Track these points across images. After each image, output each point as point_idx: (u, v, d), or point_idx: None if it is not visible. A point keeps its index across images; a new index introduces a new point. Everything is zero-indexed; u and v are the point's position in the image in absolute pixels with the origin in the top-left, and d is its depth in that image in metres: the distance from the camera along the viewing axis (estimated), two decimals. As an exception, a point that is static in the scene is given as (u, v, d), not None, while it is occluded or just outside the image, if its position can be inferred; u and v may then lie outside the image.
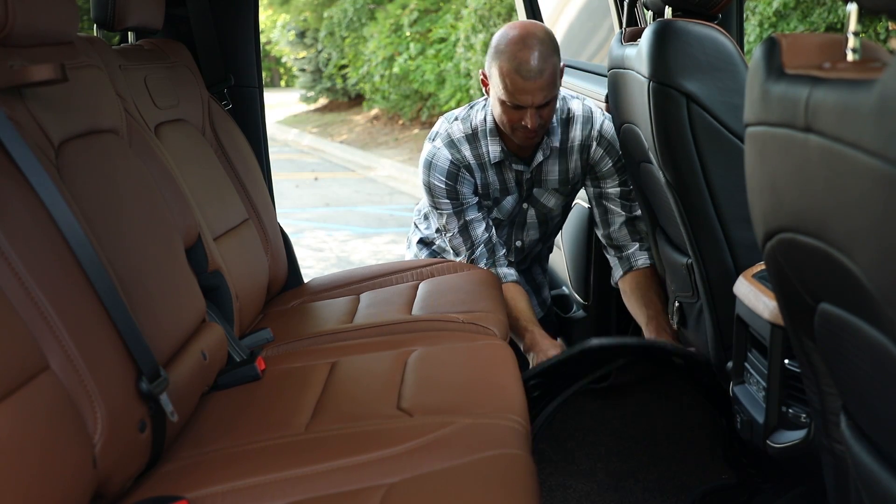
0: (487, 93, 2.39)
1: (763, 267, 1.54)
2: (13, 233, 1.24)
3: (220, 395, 1.75)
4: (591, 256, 2.82)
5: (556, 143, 2.45)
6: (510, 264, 2.59)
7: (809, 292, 1.11)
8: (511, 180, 2.50)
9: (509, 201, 2.53)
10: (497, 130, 2.43)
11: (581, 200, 2.84)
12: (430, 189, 2.48)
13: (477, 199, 2.50)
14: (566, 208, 2.66)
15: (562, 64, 2.35)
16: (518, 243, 2.64)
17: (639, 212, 2.51)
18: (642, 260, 2.51)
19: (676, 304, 2.32)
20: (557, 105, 2.42)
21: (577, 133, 2.47)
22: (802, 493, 2.02)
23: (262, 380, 1.80)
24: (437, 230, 2.70)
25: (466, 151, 2.45)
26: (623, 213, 2.51)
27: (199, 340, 1.69)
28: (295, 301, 2.48)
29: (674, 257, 2.20)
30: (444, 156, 2.45)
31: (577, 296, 2.96)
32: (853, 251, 0.91)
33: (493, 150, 2.44)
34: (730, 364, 1.78)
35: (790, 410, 1.52)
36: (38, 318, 1.23)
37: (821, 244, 0.99)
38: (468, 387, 1.69)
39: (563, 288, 3.11)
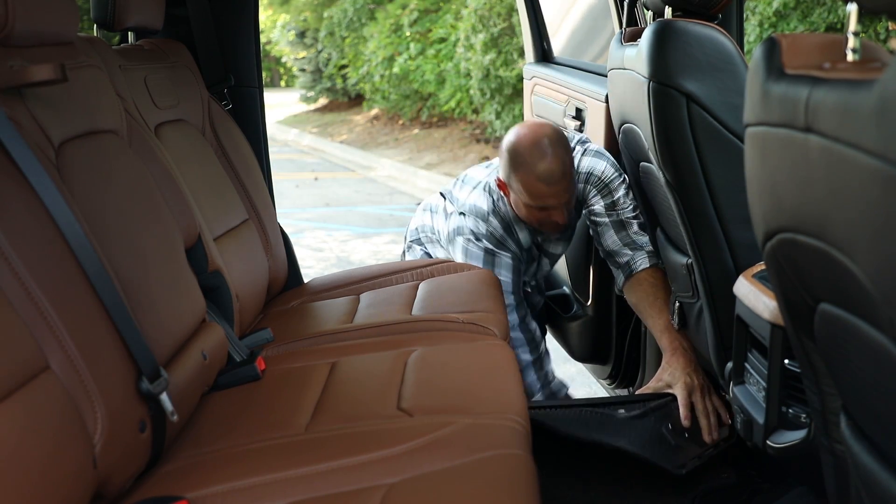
0: (507, 196, 2.46)
1: (763, 267, 1.54)
2: (13, 233, 1.24)
3: (220, 395, 1.75)
4: (592, 257, 2.82)
5: None
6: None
7: (809, 292, 1.11)
8: (524, 242, 2.58)
9: (525, 255, 2.61)
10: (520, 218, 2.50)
11: (581, 200, 2.85)
12: (475, 237, 2.51)
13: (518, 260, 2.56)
14: (569, 238, 2.73)
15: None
16: (533, 283, 2.77)
17: (629, 215, 2.52)
18: (641, 262, 2.49)
19: (677, 304, 2.32)
20: None
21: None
22: (802, 493, 2.02)
23: (262, 380, 1.80)
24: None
25: (493, 221, 2.49)
26: (609, 220, 2.52)
27: (199, 340, 1.69)
28: (295, 301, 2.48)
29: (674, 257, 2.20)
30: (481, 233, 2.49)
31: (577, 296, 2.96)
32: (853, 251, 0.91)
33: (523, 237, 2.54)
34: (730, 364, 1.78)
35: (790, 410, 1.52)
36: (38, 318, 1.23)
37: (821, 244, 0.99)
38: (468, 387, 1.69)
39: (564, 288, 3.11)
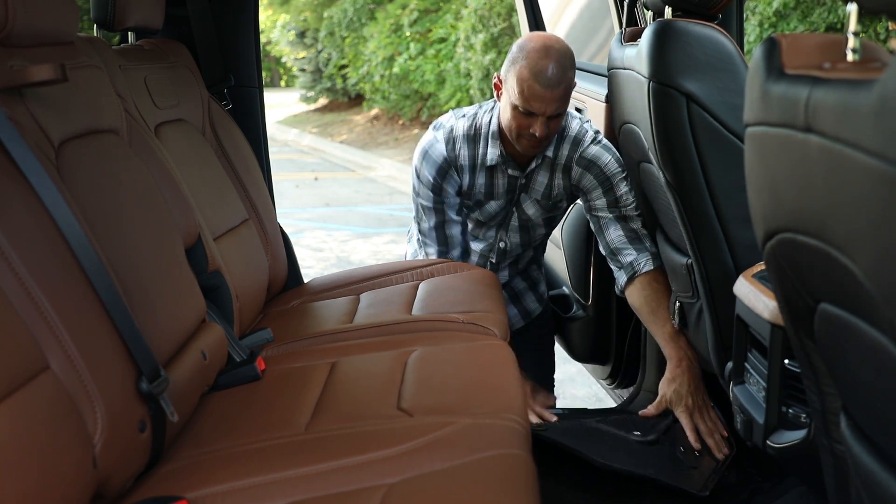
0: (499, 97, 2.41)
1: (763, 267, 1.54)
2: (13, 233, 1.24)
3: (220, 395, 1.75)
4: (591, 256, 2.82)
5: (549, 154, 2.46)
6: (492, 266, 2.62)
7: (809, 292, 1.11)
8: (501, 185, 2.51)
9: (493, 206, 2.54)
10: (500, 135, 2.44)
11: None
12: (417, 176, 2.51)
13: (459, 200, 2.51)
14: (549, 222, 2.65)
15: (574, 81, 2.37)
16: (502, 244, 2.65)
17: (632, 214, 2.49)
18: (646, 263, 2.43)
19: (677, 304, 2.32)
20: None
21: (564, 152, 2.48)
22: (802, 493, 2.02)
23: (262, 380, 1.80)
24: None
25: (462, 151, 2.47)
26: (612, 215, 2.48)
27: (199, 340, 1.69)
28: (295, 301, 2.48)
29: (674, 257, 2.20)
30: (440, 151, 2.46)
31: (577, 296, 2.96)
32: (853, 251, 0.91)
33: (491, 152, 2.45)
34: (730, 364, 1.78)
35: (790, 410, 1.52)
36: (38, 318, 1.23)
37: (821, 244, 0.99)
38: (468, 387, 1.69)
39: (563, 288, 3.11)
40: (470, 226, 2.61)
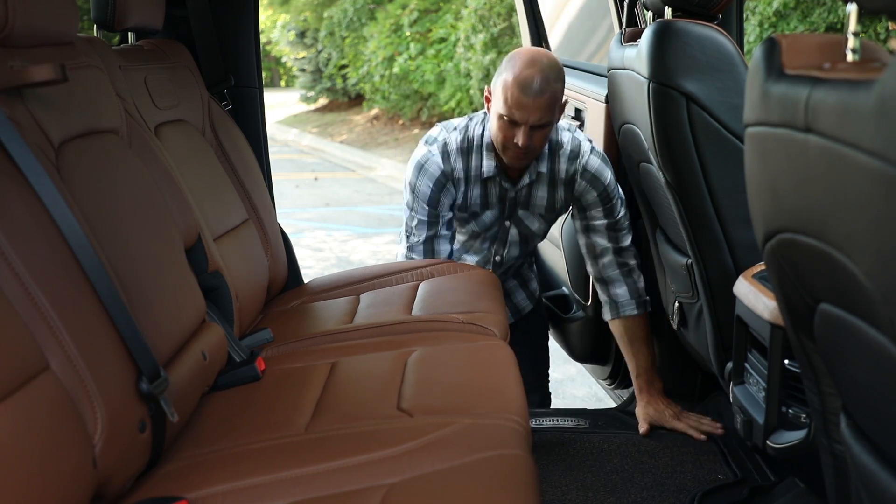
0: (489, 109, 2.42)
1: (763, 267, 1.54)
2: (13, 233, 1.24)
3: (220, 395, 1.75)
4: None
5: (544, 170, 2.47)
6: None
7: (809, 292, 1.11)
8: (494, 196, 2.52)
9: (488, 216, 2.55)
10: (492, 146, 2.45)
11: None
12: (413, 191, 2.50)
13: (451, 215, 2.53)
14: (547, 230, 2.68)
15: (564, 99, 2.39)
16: (497, 258, 2.67)
17: (626, 242, 2.54)
18: (629, 310, 2.55)
19: (676, 304, 2.32)
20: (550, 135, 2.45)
21: (562, 166, 2.49)
22: (802, 492, 2.02)
23: (262, 380, 1.80)
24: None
25: (458, 164, 2.48)
26: (609, 244, 2.53)
27: (199, 341, 1.69)
28: (295, 301, 2.48)
29: (674, 257, 2.20)
30: (437, 164, 2.47)
31: (576, 296, 2.96)
32: (853, 251, 0.92)
33: (486, 164, 2.46)
34: (730, 364, 1.78)
35: (790, 410, 1.52)
36: (38, 318, 1.23)
37: (821, 244, 0.99)
38: (468, 387, 1.69)
39: (563, 288, 3.11)
40: (463, 238, 2.62)
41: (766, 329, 1.51)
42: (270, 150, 2.89)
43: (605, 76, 2.44)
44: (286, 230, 2.67)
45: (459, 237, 2.63)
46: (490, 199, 2.52)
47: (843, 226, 0.92)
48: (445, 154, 2.47)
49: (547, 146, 2.46)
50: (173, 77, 2.30)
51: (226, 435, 1.54)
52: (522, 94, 2.27)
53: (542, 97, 2.27)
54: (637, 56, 2.01)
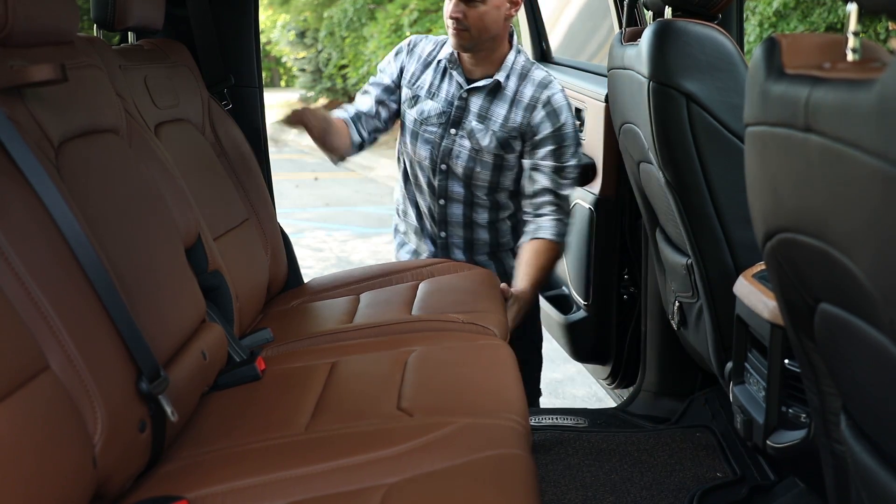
0: None
1: (763, 267, 1.54)
2: (13, 233, 1.24)
3: (220, 395, 1.74)
4: (591, 257, 2.82)
5: (502, 80, 2.52)
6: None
7: (809, 292, 1.11)
8: (445, 91, 2.58)
9: (430, 106, 2.59)
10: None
11: (581, 200, 2.84)
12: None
13: (391, 88, 2.65)
14: (495, 170, 2.58)
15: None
16: (441, 201, 2.63)
17: (566, 192, 2.52)
18: (546, 230, 2.50)
19: (676, 304, 2.32)
20: (521, 63, 2.54)
21: (527, 90, 2.52)
22: (802, 493, 2.03)
23: (262, 380, 1.80)
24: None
25: (424, 44, 2.65)
26: (551, 185, 2.51)
27: (199, 340, 1.69)
28: (295, 301, 2.48)
29: (674, 257, 2.20)
30: (407, 41, 2.67)
31: (576, 296, 2.96)
32: (853, 251, 0.91)
33: (444, 50, 2.61)
34: (730, 364, 1.78)
35: (790, 410, 1.52)
36: (38, 318, 1.23)
37: (821, 244, 0.99)
38: (468, 387, 1.69)
39: (563, 288, 3.11)
40: (408, 162, 2.67)
41: (766, 329, 1.52)
42: (270, 150, 2.89)
43: (605, 76, 2.44)
44: (286, 230, 2.67)
45: (406, 170, 2.69)
46: (439, 91, 2.59)
47: (843, 225, 0.92)
48: (421, 38, 2.68)
49: (516, 73, 2.53)
50: (173, 76, 2.30)
51: (226, 435, 1.54)
52: None
53: None
54: (637, 55, 2.01)
